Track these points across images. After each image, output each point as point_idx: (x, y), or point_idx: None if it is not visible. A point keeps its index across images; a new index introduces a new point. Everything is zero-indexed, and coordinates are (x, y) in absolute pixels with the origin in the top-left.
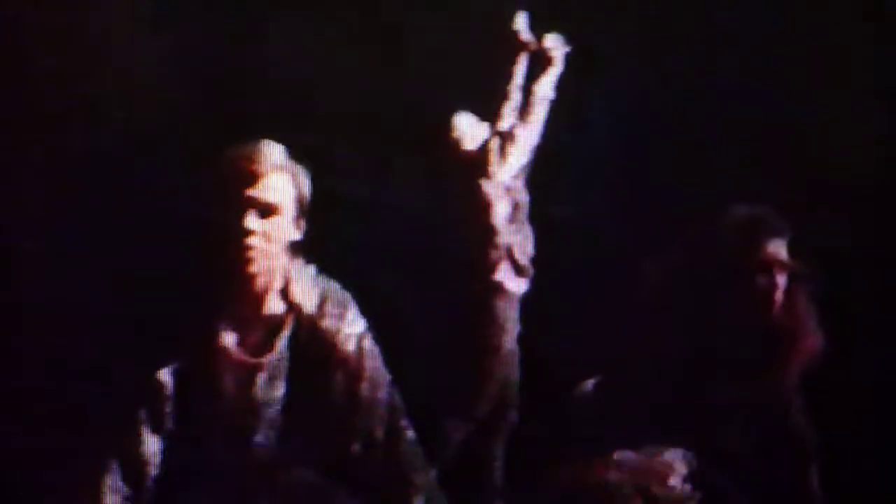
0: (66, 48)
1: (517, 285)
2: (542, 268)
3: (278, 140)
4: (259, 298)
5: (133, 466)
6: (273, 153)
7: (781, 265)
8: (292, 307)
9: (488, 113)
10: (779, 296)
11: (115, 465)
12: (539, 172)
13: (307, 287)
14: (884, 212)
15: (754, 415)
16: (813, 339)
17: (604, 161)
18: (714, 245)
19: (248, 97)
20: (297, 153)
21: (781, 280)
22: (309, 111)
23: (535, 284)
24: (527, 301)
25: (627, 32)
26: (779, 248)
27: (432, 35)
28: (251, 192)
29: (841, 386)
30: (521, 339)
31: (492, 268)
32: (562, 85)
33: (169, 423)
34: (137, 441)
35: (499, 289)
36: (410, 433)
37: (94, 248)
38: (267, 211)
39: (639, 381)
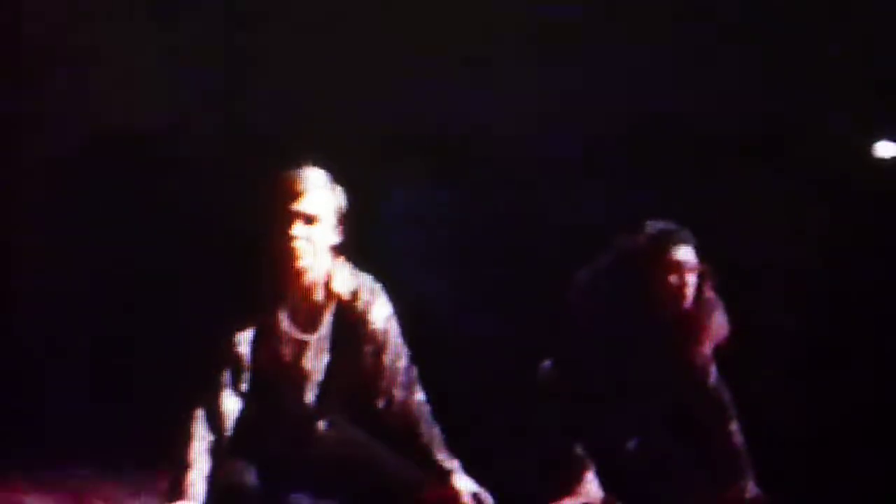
0: (67, 45)
1: None
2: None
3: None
4: (308, 289)
5: (217, 419)
6: (314, 175)
7: (689, 267)
8: (333, 295)
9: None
10: (688, 291)
11: (202, 417)
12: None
13: (345, 279)
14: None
15: (676, 386)
16: (718, 324)
17: (602, 159)
18: (635, 252)
19: (249, 91)
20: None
21: (691, 279)
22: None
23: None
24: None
25: (626, 31)
26: (686, 254)
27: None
28: (296, 206)
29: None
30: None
31: None
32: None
33: (244, 384)
34: (221, 398)
35: None
36: (421, 395)
37: (92, 248)
38: (310, 220)
39: (581, 363)
